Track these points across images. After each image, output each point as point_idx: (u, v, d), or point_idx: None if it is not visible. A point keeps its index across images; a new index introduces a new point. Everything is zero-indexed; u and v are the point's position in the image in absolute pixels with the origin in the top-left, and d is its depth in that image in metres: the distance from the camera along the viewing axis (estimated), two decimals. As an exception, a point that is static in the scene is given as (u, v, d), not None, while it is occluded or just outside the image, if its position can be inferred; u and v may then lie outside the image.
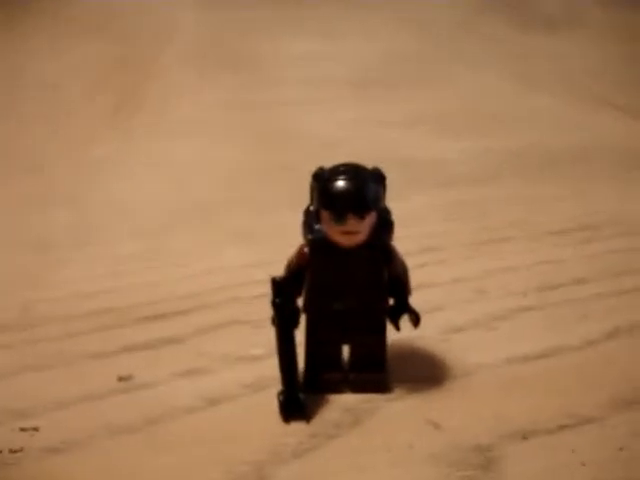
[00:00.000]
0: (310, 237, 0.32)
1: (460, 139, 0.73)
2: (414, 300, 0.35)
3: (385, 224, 0.33)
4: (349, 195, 0.31)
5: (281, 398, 0.33)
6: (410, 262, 0.44)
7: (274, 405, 0.33)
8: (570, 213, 0.55)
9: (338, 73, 0.99)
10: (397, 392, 0.35)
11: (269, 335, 0.33)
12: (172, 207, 0.58)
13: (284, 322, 0.32)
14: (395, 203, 0.54)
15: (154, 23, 1.36)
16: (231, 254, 0.50)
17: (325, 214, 0.32)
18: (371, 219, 0.32)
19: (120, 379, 0.36)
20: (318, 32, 1.26)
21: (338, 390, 0.35)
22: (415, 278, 0.42)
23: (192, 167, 0.67)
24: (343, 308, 0.33)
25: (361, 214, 0.31)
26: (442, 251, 0.50)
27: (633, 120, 0.80)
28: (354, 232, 0.32)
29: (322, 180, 0.32)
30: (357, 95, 0.90)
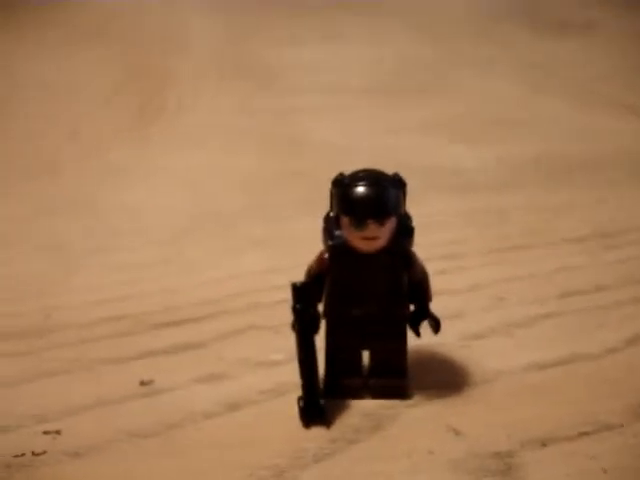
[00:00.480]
0: (330, 243, 0.33)
1: (476, 146, 0.73)
2: (434, 306, 0.35)
3: (405, 230, 0.33)
4: (369, 201, 0.31)
5: (301, 403, 0.33)
6: (429, 269, 0.44)
7: (294, 410, 0.33)
8: (588, 220, 0.55)
9: (351, 80, 1.00)
10: (417, 398, 0.35)
11: (289, 340, 0.33)
12: (188, 213, 0.58)
13: (304, 328, 0.32)
14: (413, 210, 0.54)
15: (170, 30, 1.37)
16: (248, 260, 0.50)
17: (345, 220, 0.32)
18: (391, 225, 0.32)
19: (142, 383, 0.37)
20: (330, 39, 1.26)
21: (358, 396, 0.35)
22: (434, 285, 0.42)
23: (208, 174, 0.67)
24: (363, 314, 0.34)
25: (381, 220, 0.31)
26: (461, 258, 0.49)
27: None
28: (374, 238, 0.32)
29: (342, 186, 0.32)
30: (370, 102, 0.90)
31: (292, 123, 0.82)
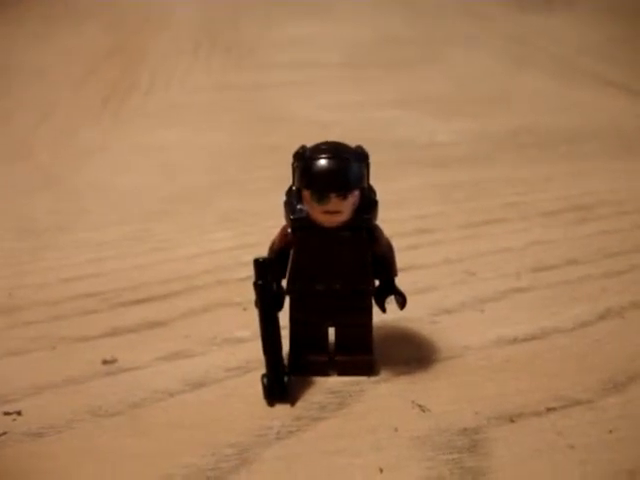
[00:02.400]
0: (292, 217, 0.32)
1: (454, 120, 0.72)
2: (404, 281, 0.35)
3: (369, 203, 0.32)
4: (330, 174, 0.30)
5: (265, 381, 0.33)
6: (403, 243, 0.44)
7: (259, 388, 0.33)
8: (563, 194, 0.55)
9: (329, 55, 0.99)
10: (383, 374, 0.35)
11: (255, 317, 0.32)
12: (159, 192, 0.57)
13: (267, 304, 0.32)
14: (389, 184, 0.53)
15: (146, 8, 1.35)
16: (218, 237, 0.49)
17: (307, 194, 0.31)
18: (354, 198, 0.31)
19: (104, 362, 0.36)
20: (309, 14, 1.25)
21: (324, 372, 0.34)
22: (407, 259, 0.42)
23: (179, 152, 0.66)
24: (327, 289, 0.33)
25: (343, 193, 0.30)
26: (435, 233, 0.49)
27: (629, 99, 0.79)
28: (336, 212, 0.31)
29: (303, 159, 0.31)
30: (349, 77, 0.89)
31: (267, 99, 0.81)
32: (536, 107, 0.78)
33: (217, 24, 1.20)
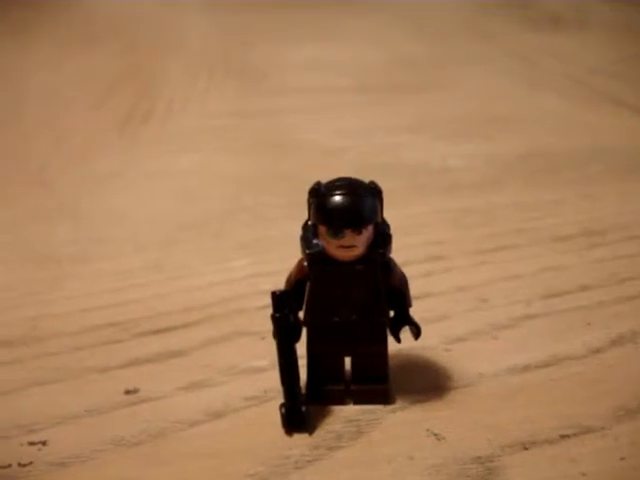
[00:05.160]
0: (308, 252, 0.33)
1: (466, 144, 0.73)
2: (418, 309, 0.35)
3: (383, 237, 0.33)
4: (345, 210, 0.31)
5: (283, 410, 0.33)
6: (415, 271, 0.45)
7: (277, 417, 0.34)
8: (574, 218, 0.55)
9: (342, 79, 1.00)
10: (399, 403, 0.35)
11: (274, 346, 0.33)
12: (176, 219, 0.58)
13: (284, 336, 0.33)
14: (401, 210, 0.54)
15: (160, 31, 1.37)
16: (235, 265, 0.50)
17: (322, 229, 0.32)
18: (368, 233, 0.32)
19: (127, 392, 0.37)
20: (322, 37, 1.26)
21: (340, 402, 0.35)
22: (420, 287, 0.42)
23: (196, 178, 0.67)
24: (343, 321, 0.34)
25: (358, 228, 0.31)
26: (447, 259, 0.50)
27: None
28: (351, 246, 0.32)
29: (319, 195, 0.32)
30: (361, 101, 0.90)
31: (281, 125, 0.82)
32: (548, 129, 0.78)
33: (231, 48, 1.22)
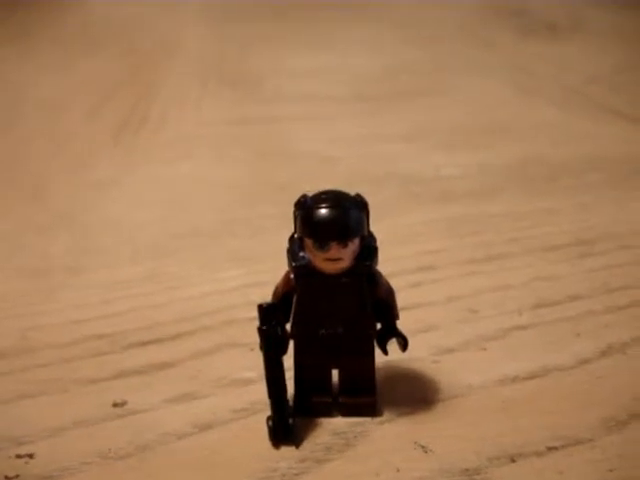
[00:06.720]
0: (295, 264, 0.33)
1: (460, 153, 0.73)
2: (406, 320, 0.35)
3: (369, 250, 0.33)
4: (331, 223, 0.31)
5: (270, 423, 0.33)
6: (405, 281, 0.45)
7: (265, 429, 0.34)
8: (567, 228, 0.55)
9: (338, 88, 1.00)
10: (387, 415, 0.35)
11: (261, 359, 0.33)
12: (169, 229, 0.58)
13: (271, 348, 0.33)
14: (394, 219, 0.54)
15: (157, 39, 1.37)
16: (226, 276, 0.50)
17: (308, 242, 0.32)
18: (354, 246, 0.32)
19: (115, 405, 0.37)
20: (318, 45, 1.26)
21: (328, 414, 0.35)
22: (410, 297, 0.42)
23: (191, 187, 0.67)
24: (330, 333, 0.34)
25: (343, 241, 0.31)
26: (437, 270, 0.49)
27: (636, 127, 0.80)
28: (337, 259, 0.32)
29: (304, 208, 0.32)
30: (357, 110, 0.90)
31: (276, 133, 0.82)
32: (542, 138, 0.78)
33: (227, 56, 1.22)
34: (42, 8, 1.58)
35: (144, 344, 0.42)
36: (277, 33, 1.38)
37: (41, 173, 0.71)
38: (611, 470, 0.31)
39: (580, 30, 1.29)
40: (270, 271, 0.46)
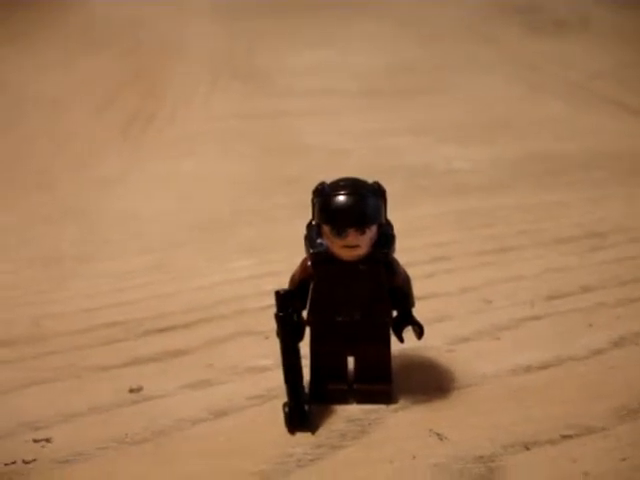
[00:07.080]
0: (312, 251, 0.33)
1: (469, 147, 0.73)
2: (421, 310, 0.36)
3: (387, 238, 0.33)
4: (349, 210, 0.31)
5: (286, 409, 0.34)
6: (419, 272, 0.45)
7: (280, 416, 0.34)
8: (578, 220, 0.55)
9: (345, 83, 1.00)
10: (402, 403, 0.35)
11: (276, 346, 0.33)
12: (180, 221, 0.58)
13: (288, 335, 0.33)
14: (404, 212, 0.54)
15: (164, 35, 1.37)
16: (239, 266, 0.50)
17: (326, 228, 0.32)
18: (371, 233, 0.32)
19: (131, 391, 0.37)
20: (325, 42, 1.26)
21: (344, 401, 0.35)
22: (423, 288, 0.42)
23: (200, 181, 0.67)
24: (347, 320, 0.34)
25: (361, 228, 0.31)
26: (450, 260, 0.50)
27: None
28: (355, 246, 0.32)
29: (322, 195, 0.32)
30: (365, 104, 0.90)
31: (285, 127, 0.82)
32: (550, 132, 0.78)
33: (235, 52, 1.22)
34: (43, 8, 1.58)
35: (158, 332, 0.42)
36: (284, 30, 1.38)
37: (50, 168, 0.71)
38: (624, 459, 0.31)
39: (586, 27, 1.29)
40: (282, 261, 0.47)
